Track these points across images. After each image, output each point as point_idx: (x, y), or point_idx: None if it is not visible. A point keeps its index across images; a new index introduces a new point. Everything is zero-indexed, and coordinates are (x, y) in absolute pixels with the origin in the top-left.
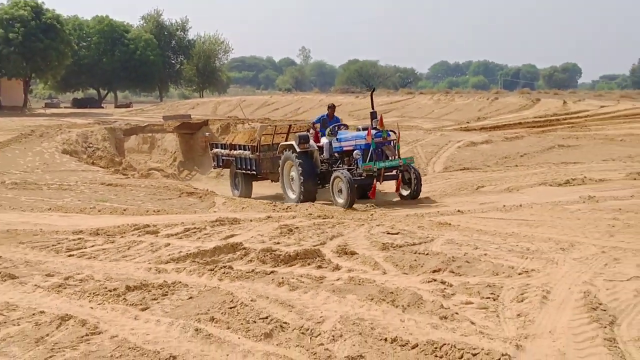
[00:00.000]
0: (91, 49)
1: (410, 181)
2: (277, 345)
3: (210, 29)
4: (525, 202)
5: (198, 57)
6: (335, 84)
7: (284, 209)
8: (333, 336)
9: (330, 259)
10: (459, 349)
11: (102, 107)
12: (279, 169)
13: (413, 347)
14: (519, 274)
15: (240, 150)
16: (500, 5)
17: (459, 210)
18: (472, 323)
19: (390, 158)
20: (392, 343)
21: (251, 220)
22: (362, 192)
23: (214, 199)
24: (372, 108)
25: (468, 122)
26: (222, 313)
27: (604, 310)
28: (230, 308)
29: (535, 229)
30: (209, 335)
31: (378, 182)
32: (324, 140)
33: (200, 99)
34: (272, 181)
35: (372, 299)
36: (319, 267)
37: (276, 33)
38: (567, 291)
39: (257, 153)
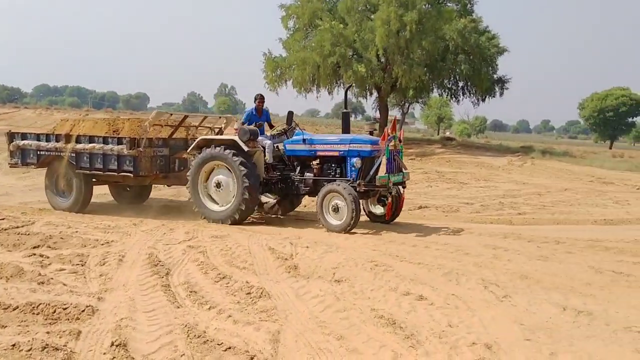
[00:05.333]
0: None
1: (385, 199)
2: None
3: None
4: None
5: None
6: None
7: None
8: None
9: None
10: (52, 306)
11: None
12: (191, 171)
13: (14, 309)
14: (102, 244)
15: (96, 144)
16: (115, 39)
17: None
18: (65, 285)
19: (401, 170)
20: None
21: None
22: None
23: None
24: (345, 107)
25: None
26: None
27: (162, 266)
28: None
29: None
30: None
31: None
32: (264, 141)
33: None
34: (126, 189)
35: None
36: None
37: None
38: (137, 254)
39: (141, 148)
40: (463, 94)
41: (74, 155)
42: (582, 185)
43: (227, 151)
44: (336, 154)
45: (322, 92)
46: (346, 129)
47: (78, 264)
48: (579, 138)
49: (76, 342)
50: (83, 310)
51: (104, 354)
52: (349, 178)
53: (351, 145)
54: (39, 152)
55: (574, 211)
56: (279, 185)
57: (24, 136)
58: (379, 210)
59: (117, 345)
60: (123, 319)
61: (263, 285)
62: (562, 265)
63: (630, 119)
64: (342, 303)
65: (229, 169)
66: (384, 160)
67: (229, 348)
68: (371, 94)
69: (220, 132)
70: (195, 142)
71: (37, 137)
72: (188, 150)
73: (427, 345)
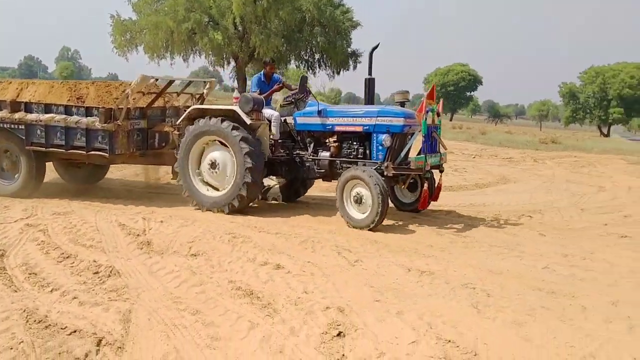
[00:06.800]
0: None
1: (419, 185)
2: None
3: None
4: None
5: None
6: None
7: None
8: None
9: None
10: None
11: None
12: (180, 148)
13: None
14: None
15: (55, 115)
16: None
17: None
18: None
19: (438, 150)
20: None
21: None
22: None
23: None
24: (370, 73)
25: None
26: None
27: None
28: None
29: None
30: None
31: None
32: (269, 112)
33: None
34: (76, 166)
35: None
36: None
37: None
38: None
39: (119, 121)
40: (319, 66)
41: (23, 128)
42: None
43: (226, 124)
44: (359, 129)
45: (176, 59)
46: (371, 99)
47: None
48: None
49: None
50: None
51: None
52: (374, 160)
53: (379, 118)
54: None
55: None
56: (287, 166)
57: None
58: (408, 197)
59: None
60: None
61: (112, 264)
62: (408, 229)
63: (468, 93)
64: (199, 277)
65: (226, 146)
66: (418, 137)
67: (75, 332)
68: (228, 63)
69: (202, 99)
70: (186, 112)
71: None
72: (177, 122)
73: (283, 313)
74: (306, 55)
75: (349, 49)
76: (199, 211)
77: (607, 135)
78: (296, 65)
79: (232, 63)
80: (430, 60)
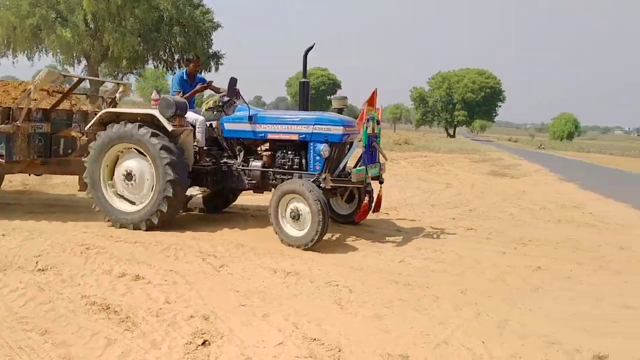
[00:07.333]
0: None
1: (358, 196)
2: None
3: None
4: None
5: None
6: None
7: None
8: None
9: None
10: None
11: None
12: (90, 157)
13: None
14: None
15: None
16: None
17: None
18: None
19: (378, 160)
20: None
21: None
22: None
23: None
24: (305, 75)
25: None
26: None
27: None
28: None
29: None
30: None
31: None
32: (193, 116)
33: None
34: None
35: None
36: None
37: None
38: None
39: (18, 123)
40: (179, 67)
41: None
42: None
43: (144, 130)
44: (295, 137)
45: (19, 57)
46: (305, 104)
47: None
48: None
49: None
50: None
51: None
52: (312, 171)
53: (316, 126)
54: None
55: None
56: (213, 176)
57: None
58: (344, 208)
59: None
60: None
61: None
62: (272, 232)
63: (328, 97)
64: (48, 294)
65: (144, 155)
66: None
67: None
68: (79, 62)
69: (114, 102)
70: (97, 116)
71: None
72: (87, 127)
73: (143, 326)
74: (165, 55)
75: (210, 50)
76: (46, 222)
77: (453, 136)
78: (154, 66)
79: (84, 62)
80: (287, 62)
